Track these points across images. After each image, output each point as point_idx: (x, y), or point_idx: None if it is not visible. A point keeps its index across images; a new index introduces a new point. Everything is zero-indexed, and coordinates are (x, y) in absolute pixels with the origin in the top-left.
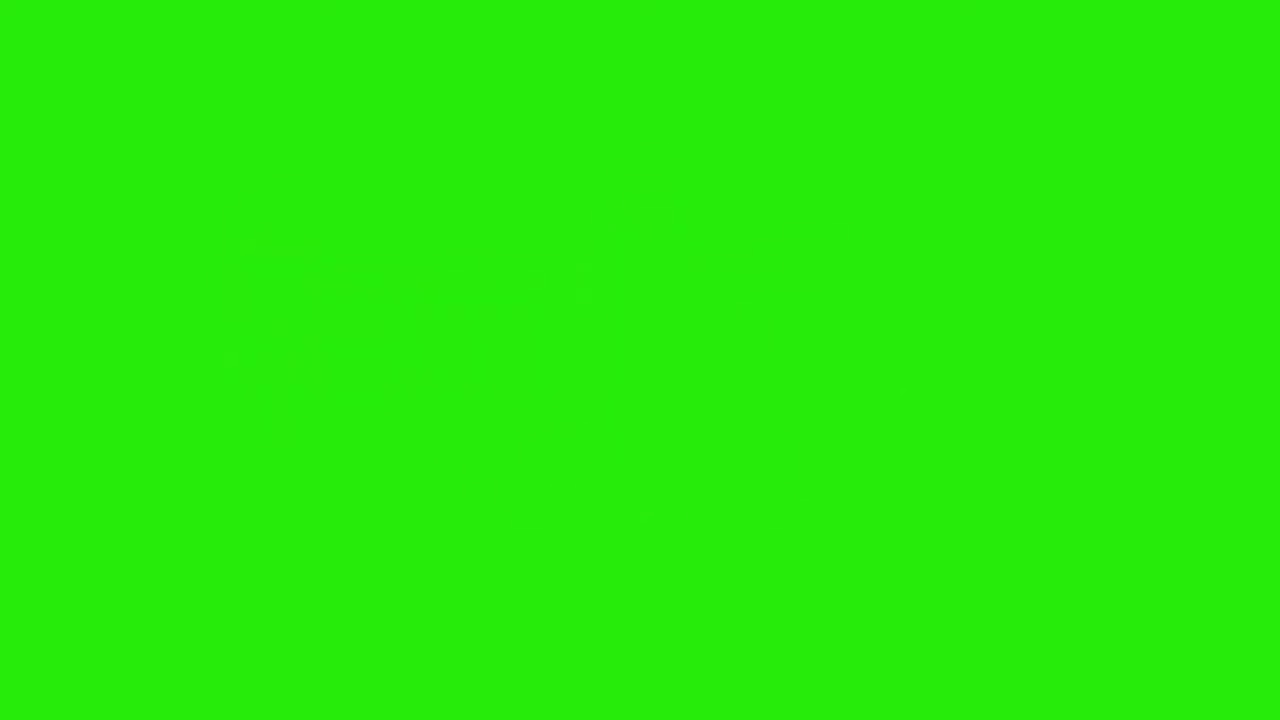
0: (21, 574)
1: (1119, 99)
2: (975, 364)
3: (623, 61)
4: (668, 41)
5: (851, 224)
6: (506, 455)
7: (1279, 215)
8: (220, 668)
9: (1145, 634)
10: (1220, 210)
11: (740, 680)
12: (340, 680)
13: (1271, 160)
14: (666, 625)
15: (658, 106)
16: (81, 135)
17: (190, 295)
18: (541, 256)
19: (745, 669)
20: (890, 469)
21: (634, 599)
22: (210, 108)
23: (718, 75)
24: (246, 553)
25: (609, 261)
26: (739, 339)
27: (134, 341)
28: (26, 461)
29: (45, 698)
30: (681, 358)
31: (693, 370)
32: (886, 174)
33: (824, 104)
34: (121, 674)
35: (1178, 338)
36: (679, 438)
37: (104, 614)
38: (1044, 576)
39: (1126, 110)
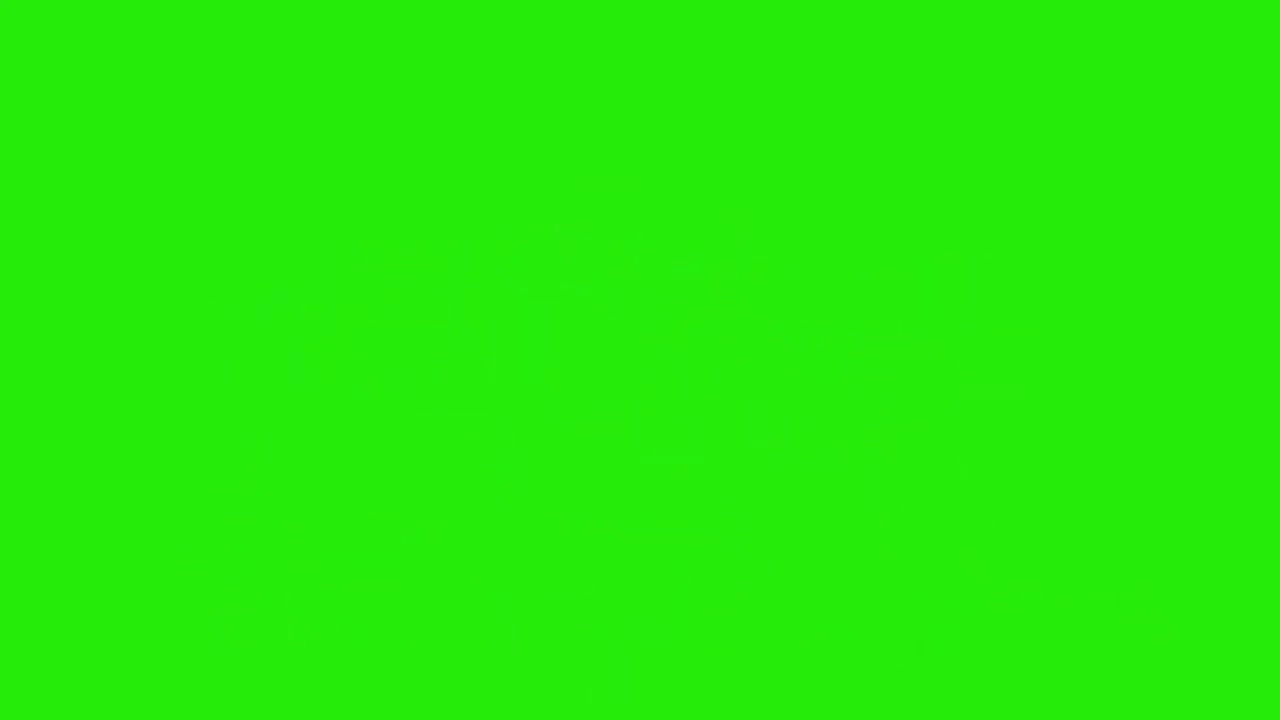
0: (21, 574)
1: (1119, 99)
2: (975, 364)
3: (622, 61)
4: (667, 41)
5: (850, 224)
6: (505, 456)
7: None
8: (220, 668)
9: (1145, 634)
10: (1220, 210)
11: (739, 680)
12: (340, 680)
13: (1272, 160)
14: (666, 625)
15: (656, 106)
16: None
17: (188, 294)
18: (540, 256)
19: (744, 669)
20: (889, 469)
21: (634, 599)
22: (208, 106)
23: (717, 75)
24: (246, 553)
25: (608, 261)
26: (738, 339)
27: (133, 340)
28: (26, 461)
29: (45, 698)
30: (680, 358)
31: (692, 370)
32: (886, 174)
33: (823, 103)
34: (122, 674)
35: (1178, 337)
36: (678, 438)
37: (104, 614)
38: (1044, 576)
39: (1127, 110)
